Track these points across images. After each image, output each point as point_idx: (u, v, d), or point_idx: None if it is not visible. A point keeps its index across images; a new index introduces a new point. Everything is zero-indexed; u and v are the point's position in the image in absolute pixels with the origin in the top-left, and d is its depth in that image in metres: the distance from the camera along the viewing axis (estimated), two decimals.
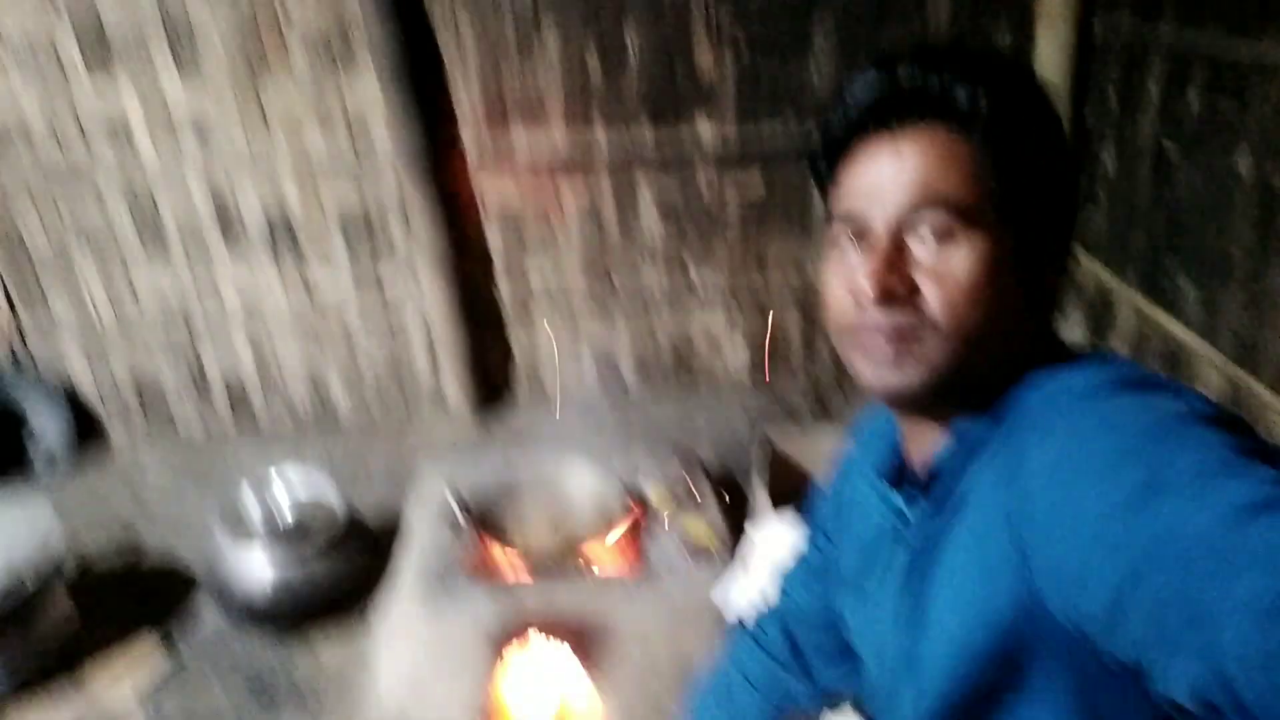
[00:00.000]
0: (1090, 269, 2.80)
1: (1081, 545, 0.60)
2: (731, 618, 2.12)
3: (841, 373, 3.42)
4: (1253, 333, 2.07)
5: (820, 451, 2.67)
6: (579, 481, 2.50)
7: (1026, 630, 0.70)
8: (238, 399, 3.35)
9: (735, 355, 3.42)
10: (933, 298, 0.75)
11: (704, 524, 2.37)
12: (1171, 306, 2.41)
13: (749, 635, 1.22)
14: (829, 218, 0.83)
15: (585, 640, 2.09)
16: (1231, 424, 0.63)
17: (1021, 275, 0.77)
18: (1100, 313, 2.78)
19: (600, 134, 3.05)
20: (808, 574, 1.16)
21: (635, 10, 2.90)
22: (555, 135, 3.05)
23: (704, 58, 2.98)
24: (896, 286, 0.75)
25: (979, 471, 0.76)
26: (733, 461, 3.02)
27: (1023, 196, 0.76)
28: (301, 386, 3.34)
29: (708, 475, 2.68)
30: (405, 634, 2.11)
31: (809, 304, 3.34)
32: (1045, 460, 0.67)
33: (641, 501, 2.37)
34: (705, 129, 3.06)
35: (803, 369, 3.45)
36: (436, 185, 3.00)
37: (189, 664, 2.26)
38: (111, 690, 2.17)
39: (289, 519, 2.39)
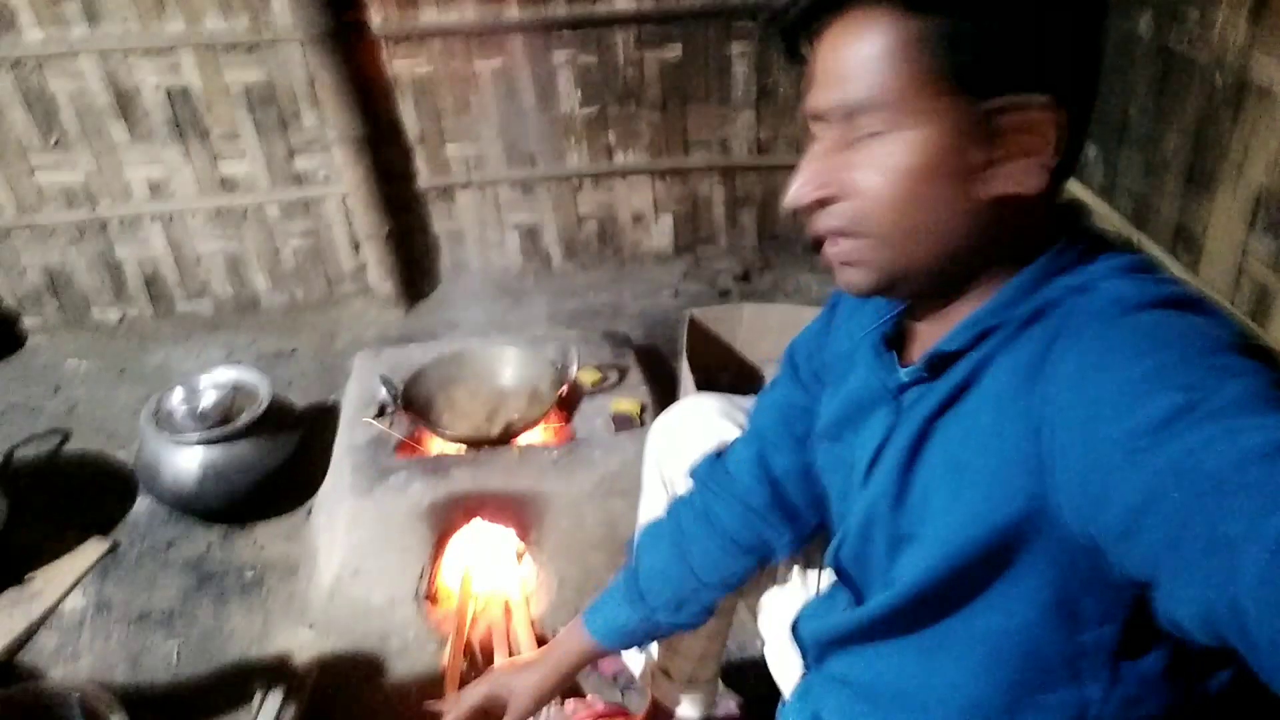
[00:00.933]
0: None
1: (1110, 458, 0.59)
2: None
3: (765, 246, 3.47)
4: (1148, 195, 2.15)
5: (745, 326, 2.74)
6: (507, 362, 2.54)
7: (1029, 528, 0.69)
8: (155, 289, 3.28)
9: (660, 231, 3.43)
10: (860, 199, 0.73)
11: (631, 400, 2.44)
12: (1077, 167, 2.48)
13: (718, 472, 1.16)
14: None
15: (518, 513, 2.18)
16: (1268, 355, 0.62)
17: (987, 157, 0.71)
18: None
19: (511, 6, 2.94)
20: (787, 410, 1.11)
21: None
22: (465, 6, 2.93)
23: None
24: (805, 196, 0.74)
25: (991, 362, 0.75)
26: (659, 337, 3.08)
27: (988, 72, 0.69)
28: (221, 275, 3.28)
29: (634, 351, 2.74)
30: (344, 518, 2.16)
31: (731, 178, 3.34)
32: (1078, 370, 0.65)
33: (569, 380, 2.42)
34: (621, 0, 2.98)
35: (726, 243, 3.48)
36: (346, 66, 2.89)
37: (132, 559, 2.30)
38: (56, 588, 2.21)
39: (213, 405, 2.39)
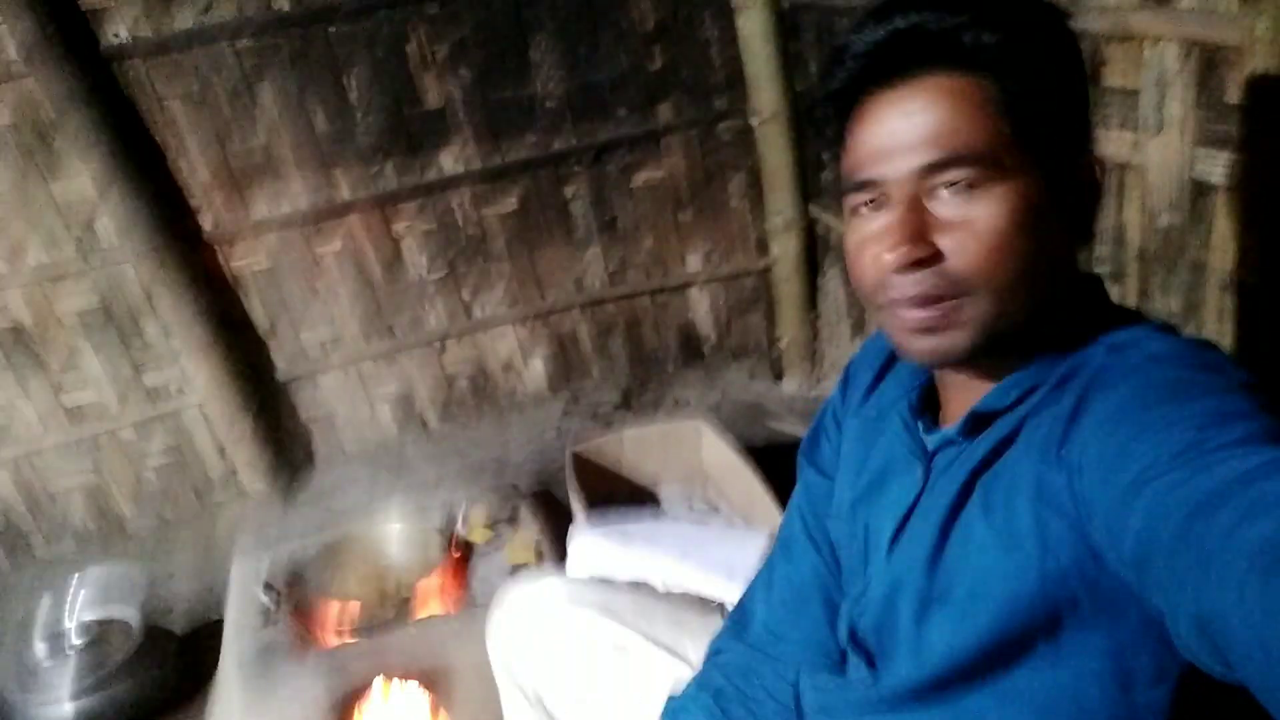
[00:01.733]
0: (822, 219, 3.00)
1: (1128, 492, 0.60)
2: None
3: (638, 370, 3.51)
4: None
5: (627, 450, 2.74)
6: (390, 538, 2.46)
7: (1076, 581, 0.69)
8: (10, 539, 3.07)
9: (532, 375, 3.44)
10: (960, 258, 0.73)
11: (525, 544, 2.38)
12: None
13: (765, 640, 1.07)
14: (842, 184, 0.81)
15: (427, 690, 2.06)
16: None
17: (1059, 213, 0.75)
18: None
19: (342, 185, 2.99)
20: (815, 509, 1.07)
21: (351, 62, 2.87)
22: (295, 194, 2.97)
23: (430, 94, 2.97)
24: (918, 254, 0.73)
25: (1031, 419, 0.76)
26: (550, 480, 3.04)
27: (1049, 129, 0.73)
28: (79, 505, 3.10)
29: (527, 498, 2.70)
30: None
31: (591, 311, 3.41)
32: (1107, 417, 0.67)
33: (458, 536, 2.36)
34: (448, 160, 3.06)
35: (600, 374, 3.51)
36: (183, 274, 2.85)
37: None
38: None
39: (80, 644, 2.21)
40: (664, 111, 3.17)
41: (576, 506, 2.39)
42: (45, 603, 2.83)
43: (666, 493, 2.72)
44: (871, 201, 0.77)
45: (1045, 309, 0.76)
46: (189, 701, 2.26)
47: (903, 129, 0.73)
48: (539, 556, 2.32)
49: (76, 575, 2.90)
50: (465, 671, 2.07)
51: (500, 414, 3.44)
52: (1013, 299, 0.74)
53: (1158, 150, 1.54)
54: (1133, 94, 1.58)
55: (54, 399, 2.96)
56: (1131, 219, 1.64)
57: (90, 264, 2.84)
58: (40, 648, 2.22)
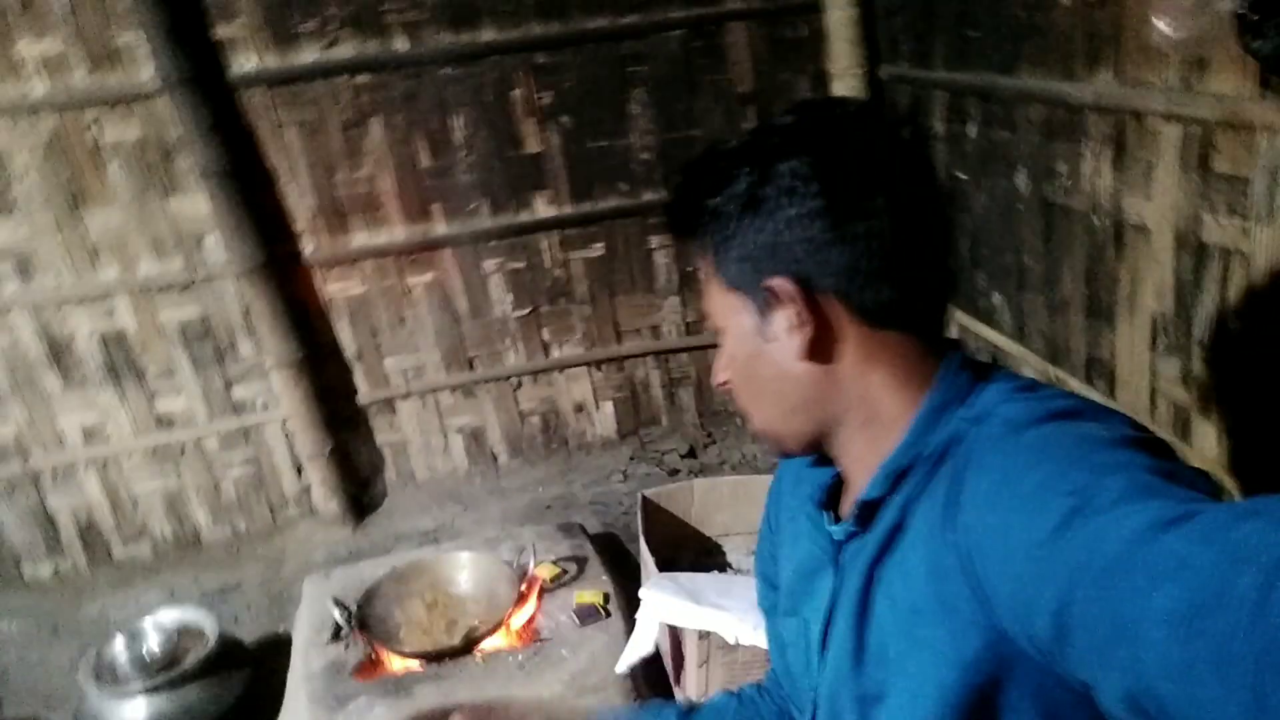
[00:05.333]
0: None
1: (1024, 574, 0.61)
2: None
3: (706, 422, 3.54)
4: (1056, 333, 2.28)
5: (697, 502, 2.75)
6: (462, 569, 2.49)
7: (995, 664, 0.70)
8: (90, 538, 3.17)
9: (603, 419, 3.48)
10: (730, 386, 0.90)
11: (593, 590, 2.39)
12: (988, 317, 2.63)
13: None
14: None
15: None
16: (1152, 446, 0.66)
17: (773, 329, 0.82)
18: None
19: (439, 223, 3.10)
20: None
21: (459, 103, 2.99)
22: (394, 229, 3.08)
23: (530, 139, 3.08)
24: (717, 380, 0.91)
25: (915, 503, 0.77)
26: (614, 524, 3.07)
27: (738, 271, 0.83)
28: (159, 514, 3.19)
29: (591, 540, 2.71)
30: None
31: (665, 361, 3.45)
32: (984, 495, 0.68)
33: (527, 578, 2.38)
34: (541, 204, 3.16)
35: (669, 423, 3.54)
36: (280, 294, 2.97)
37: None
38: None
39: (158, 653, 2.27)
40: None
41: (646, 554, 2.41)
42: (122, 601, 2.94)
43: (732, 546, 2.71)
44: None
45: (824, 405, 0.84)
46: (255, 710, 2.31)
47: None
48: (607, 601, 2.33)
49: (154, 577, 3.00)
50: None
51: (568, 456, 3.48)
52: (766, 413, 0.88)
53: (1267, 238, 1.54)
54: (1242, 181, 1.59)
55: (147, 405, 3.08)
56: (1233, 305, 1.64)
57: (196, 276, 2.96)
58: (119, 640, 2.29)
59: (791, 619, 0.96)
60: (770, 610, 1.12)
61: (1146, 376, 1.95)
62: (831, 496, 0.95)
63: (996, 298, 2.56)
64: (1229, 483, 1.68)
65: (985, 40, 2.36)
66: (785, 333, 0.81)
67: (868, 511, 0.82)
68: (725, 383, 0.91)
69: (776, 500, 1.10)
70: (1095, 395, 2.14)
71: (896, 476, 0.79)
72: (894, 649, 0.77)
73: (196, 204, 2.88)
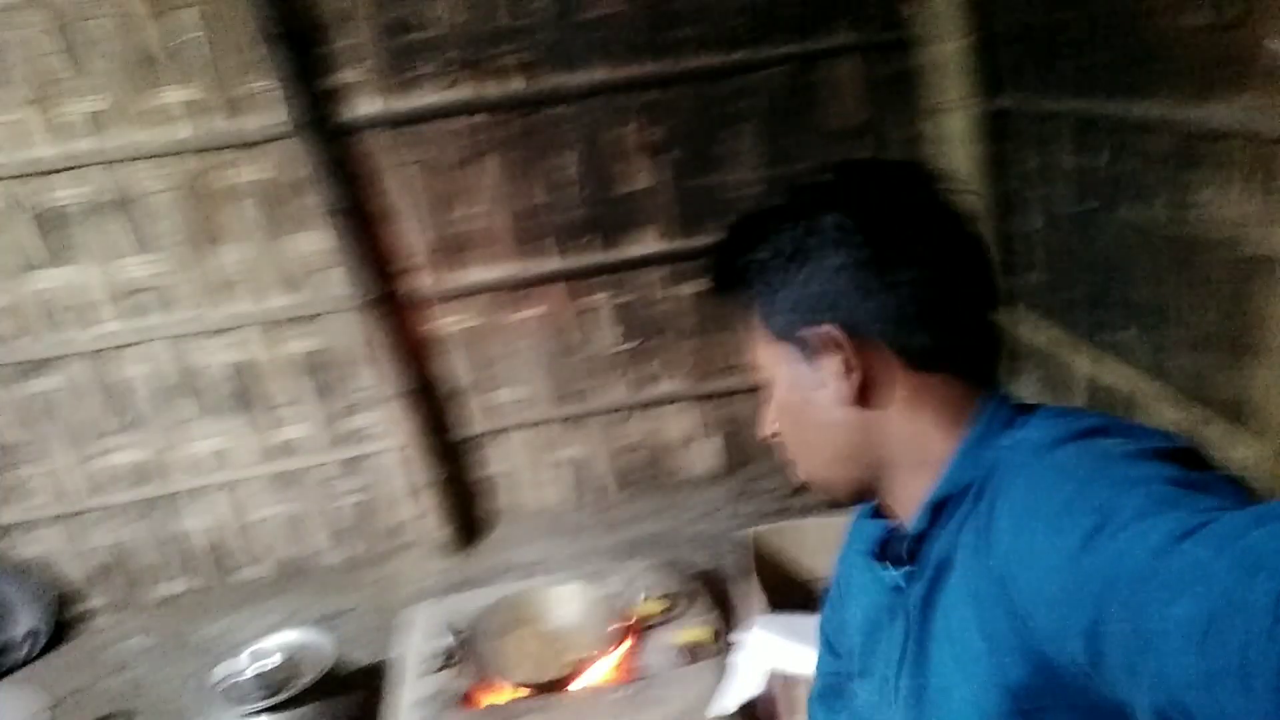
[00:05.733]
0: (1039, 327, 2.90)
1: (1055, 597, 0.61)
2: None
3: None
4: (1199, 370, 2.15)
5: (809, 540, 2.68)
6: (568, 599, 2.49)
7: (1040, 688, 0.69)
8: (219, 557, 3.32)
9: (708, 453, 3.46)
10: (779, 437, 0.90)
11: (697, 628, 2.36)
12: (1118, 353, 2.50)
13: None
14: None
15: None
16: (1180, 455, 0.66)
17: (818, 376, 0.83)
18: (1054, 370, 2.86)
19: (551, 259, 3.16)
20: (825, 691, 1.14)
21: (571, 140, 3.05)
22: (507, 264, 3.15)
23: (640, 175, 3.11)
24: (764, 433, 0.92)
25: (957, 534, 0.78)
26: (717, 559, 3.02)
27: (782, 322, 0.84)
28: (280, 537, 3.32)
29: (696, 577, 2.68)
30: None
31: None
32: (1013, 520, 0.69)
33: (633, 614, 2.36)
34: (648, 239, 3.18)
35: (774, 461, 3.48)
36: (398, 326, 3.07)
37: None
38: None
39: (278, 670, 2.33)
40: None
41: (756, 590, 2.35)
42: (245, 619, 3.05)
43: None
44: None
45: (873, 450, 0.84)
46: None
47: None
48: (715, 638, 2.29)
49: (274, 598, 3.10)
50: None
51: (672, 490, 3.46)
52: (814, 461, 0.88)
53: None
54: None
55: (272, 432, 3.21)
56: None
57: (322, 315, 3.09)
58: (243, 658, 2.37)
59: (867, 680, 0.96)
60: (833, 676, 1.12)
61: None
62: (885, 547, 0.94)
63: (1131, 333, 2.43)
64: None
65: (1114, 65, 2.27)
66: (834, 379, 0.82)
67: (915, 549, 0.83)
68: (774, 434, 0.92)
69: (844, 564, 1.09)
70: (1240, 437, 2.00)
71: (936, 509, 0.80)
72: (951, 687, 0.78)
73: (320, 240, 3.01)
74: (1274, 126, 1.69)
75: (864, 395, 0.82)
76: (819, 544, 2.67)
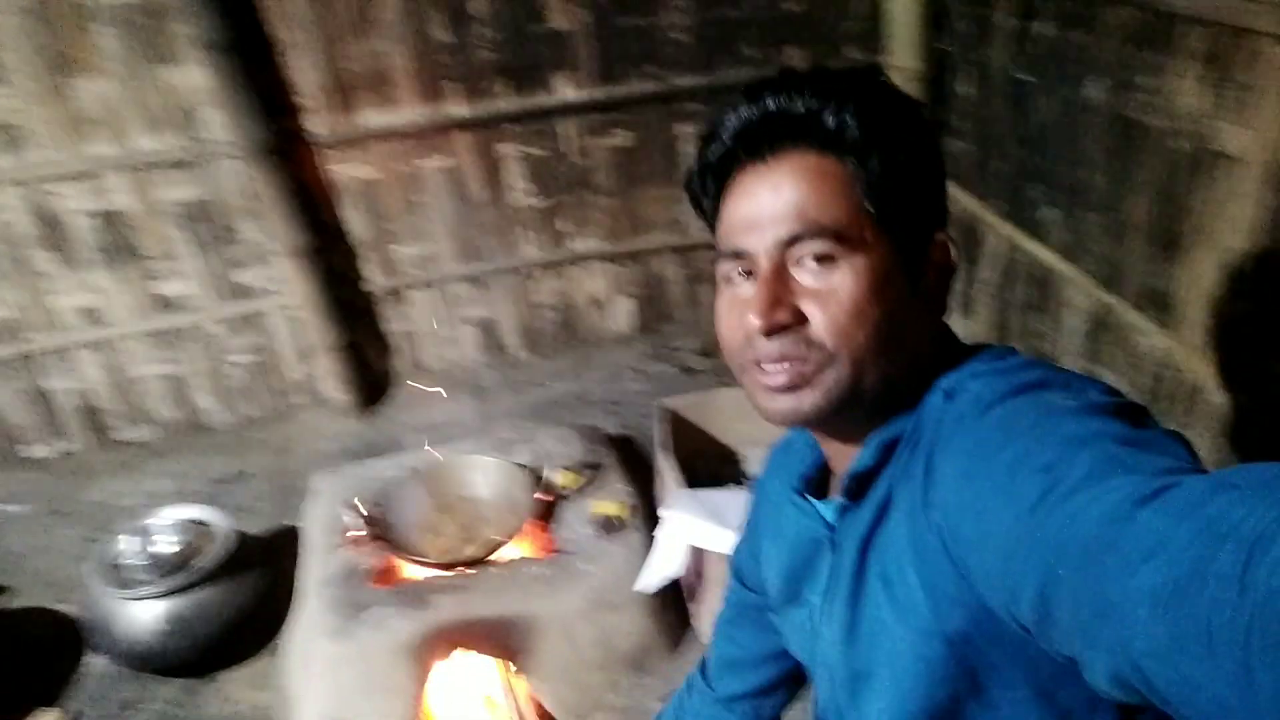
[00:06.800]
0: (957, 197, 2.86)
1: (1002, 556, 0.60)
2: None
3: None
4: (1116, 258, 2.15)
5: (720, 411, 2.67)
6: (479, 472, 2.43)
7: (980, 638, 0.70)
8: (92, 420, 3.10)
9: (620, 314, 3.38)
10: (819, 324, 0.76)
11: (611, 501, 2.34)
12: (1037, 232, 2.49)
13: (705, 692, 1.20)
14: (715, 252, 0.84)
15: (506, 638, 2.05)
16: (1126, 411, 0.65)
17: (909, 283, 0.79)
18: (970, 240, 2.85)
19: (455, 105, 2.89)
20: (734, 619, 1.16)
21: None
22: (407, 111, 2.88)
23: (556, 14, 2.84)
24: (781, 318, 0.76)
25: (899, 478, 0.77)
26: (630, 423, 3.00)
27: (900, 208, 0.77)
28: (163, 398, 3.12)
29: (609, 444, 2.65)
30: (321, 660, 2.01)
31: (687, 256, 3.31)
32: (956, 477, 0.68)
33: (546, 485, 2.32)
34: (564, 86, 2.95)
35: (687, 321, 3.43)
36: (286, 175, 2.80)
37: None
38: None
39: (170, 548, 2.21)
40: (791, 56, 3.02)
41: (667, 467, 2.34)
42: (127, 486, 2.89)
43: (754, 455, 2.66)
44: (743, 271, 0.81)
45: (898, 375, 0.79)
46: (271, 609, 2.28)
47: (769, 202, 0.77)
48: (629, 512, 2.28)
49: (158, 462, 2.94)
50: (547, 625, 2.06)
51: (583, 350, 3.38)
52: (866, 365, 0.77)
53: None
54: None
55: (145, 287, 2.95)
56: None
57: (194, 157, 2.78)
58: (129, 539, 2.23)
59: (794, 607, 0.95)
60: (738, 606, 1.15)
61: (1208, 314, 1.84)
62: (811, 485, 0.94)
63: (1052, 213, 2.41)
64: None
65: None
66: (934, 286, 0.82)
67: (857, 487, 0.81)
68: (788, 323, 0.77)
69: (760, 499, 1.08)
70: (1150, 328, 2.04)
71: (888, 447, 0.79)
72: (883, 626, 0.78)
73: (193, 75, 2.67)
74: (1240, 16, 1.62)
75: (940, 298, 0.83)
76: (732, 414, 2.67)
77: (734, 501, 2.14)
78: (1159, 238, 1.98)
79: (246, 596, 2.23)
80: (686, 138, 3.10)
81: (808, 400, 0.78)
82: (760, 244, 0.78)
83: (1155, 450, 0.58)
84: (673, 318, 3.44)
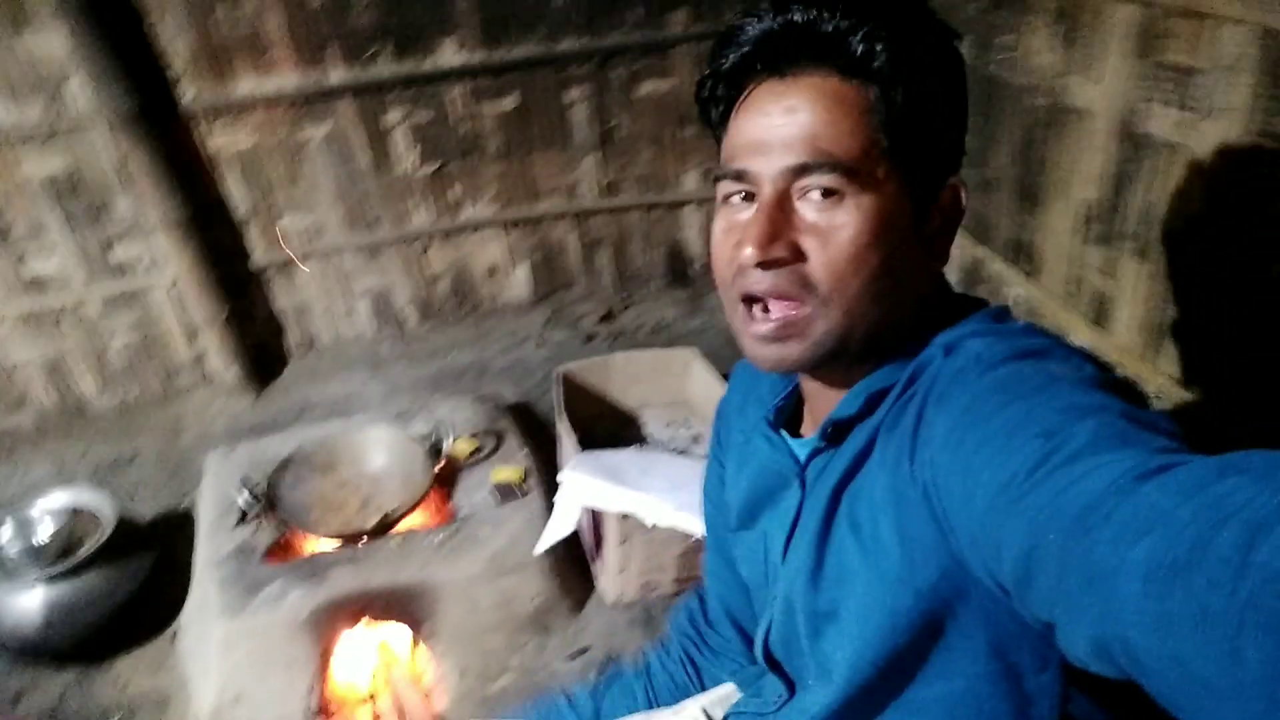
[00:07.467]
0: None
1: (991, 514, 0.60)
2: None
3: (624, 286, 3.45)
4: (984, 212, 2.25)
5: (617, 375, 2.70)
6: (375, 444, 2.41)
7: (949, 592, 0.71)
8: None
9: (517, 282, 3.36)
10: (816, 263, 0.73)
11: (510, 466, 2.36)
12: None
13: (702, 628, 1.19)
14: (719, 169, 0.80)
15: (407, 606, 2.06)
16: (1120, 388, 0.66)
17: (914, 228, 0.76)
18: None
19: (336, 70, 2.82)
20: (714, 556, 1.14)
21: None
22: (286, 77, 2.79)
23: None
24: (778, 253, 0.73)
25: (884, 429, 0.76)
26: (529, 392, 3.01)
27: (918, 147, 0.74)
28: (40, 382, 2.98)
29: (507, 413, 2.66)
30: (216, 640, 1.99)
31: (583, 222, 3.31)
32: (949, 432, 0.67)
33: (445, 455, 2.32)
34: (448, 51, 2.90)
35: (585, 286, 3.44)
36: (160, 145, 2.68)
37: None
38: None
39: (51, 535, 2.14)
40: (677, 20, 3.03)
41: (564, 431, 2.37)
42: (5, 474, 2.77)
43: (651, 417, 2.70)
44: (744, 194, 0.77)
45: (892, 324, 0.77)
46: (161, 593, 2.23)
47: (781, 123, 0.73)
48: (526, 478, 2.30)
49: (38, 448, 2.83)
50: (447, 592, 2.07)
51: (480, 320, 3.36)
52: (859, 314, 0.74)
53: (1213, 134, 1.50)
54: (1194, 73, 1.53)
55: (14, 269, 2.81)
56: (1167, 199, 1.62)
57: (59, 129, 2.65)
58: (7, 526, 2.15)
59: (748, 533, 0.95)
60: (716, 527, 1.12)
61: (1070, 263, 1.94)
62: (784, 418, 0.92)
63: None
64: (1145, 369, 1.70)
65: None
66: (941, 232, 0.79)
67: (836, 432, 0.80)
68: (783, 257, 0.73)
69: (725, 424, 1.07)
70: (1016, 278, 2.14)
71: (871, 399, 0.77)
72: (851, 571, 0.77)
73: (53, 42, 2.53)
74: None
75: (934, 248, 0.80)
76: (629, 377, 2.71)
77: (633, 462, 2.18)
78: (1022, 191, 2.08)
79: (133, 580, 2.17)
80: (576, 103, 3.09)
81: (795, 350, 0.76)
82: (766, 168, 0.74)
83: (1156, 429, 0.58)
84: (571, 284, 3.44)
